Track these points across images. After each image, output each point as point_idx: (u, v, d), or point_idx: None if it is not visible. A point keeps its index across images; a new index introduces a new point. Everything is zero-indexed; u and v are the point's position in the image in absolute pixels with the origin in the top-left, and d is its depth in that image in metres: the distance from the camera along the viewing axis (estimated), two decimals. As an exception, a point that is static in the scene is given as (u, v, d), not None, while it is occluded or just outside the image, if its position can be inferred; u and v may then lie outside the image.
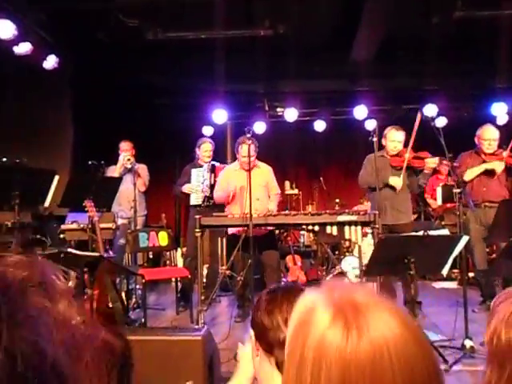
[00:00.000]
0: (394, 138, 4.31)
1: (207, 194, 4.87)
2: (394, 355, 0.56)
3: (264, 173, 4.54)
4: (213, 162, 5.06)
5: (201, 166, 5.02)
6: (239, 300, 4.48)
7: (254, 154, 4.38)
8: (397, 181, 4.23)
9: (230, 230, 4.40)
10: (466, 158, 4.56)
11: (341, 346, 0.57)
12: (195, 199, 4.95)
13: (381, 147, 4.39)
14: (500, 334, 0.80)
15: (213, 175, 4.91)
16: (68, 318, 0.36)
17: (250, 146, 4.20)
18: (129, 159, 5.05)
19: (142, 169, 5.27)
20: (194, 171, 5.00)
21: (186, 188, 4.98)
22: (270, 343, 1.20)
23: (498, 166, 4.37)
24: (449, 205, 5.80)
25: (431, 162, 4.13)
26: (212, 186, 4.87)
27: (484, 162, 4.46)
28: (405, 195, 4.34)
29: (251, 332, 1.29)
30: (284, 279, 5.74)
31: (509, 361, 0.78)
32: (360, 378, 0.55)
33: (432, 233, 3.17)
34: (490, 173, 4.43)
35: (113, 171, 5.12)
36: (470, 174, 4.44)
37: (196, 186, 4.95)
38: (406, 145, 4.34)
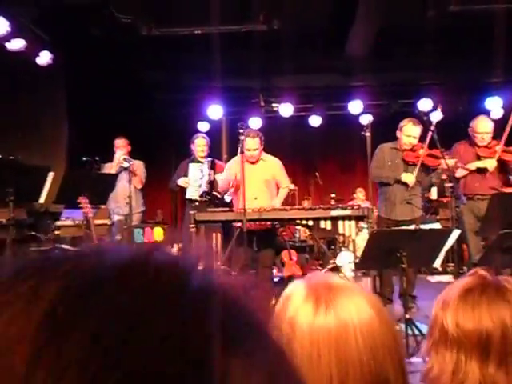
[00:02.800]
0: (411, 133, 4.08)
1: (206, 190, 4.86)
2: (358, 330, 0.63)
3: (270, 166, 4.43)
4: (213, 159, 5.05)
5: (199, 161, 5.02)
6: None
7: (259, 147, 4.30)
8: (410, 177, 4.05)
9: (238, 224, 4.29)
10: (460, 148, 4.47)
11: (310, 319, 0.64)
12: (191, 193, 4.93)
13: (388, 140, 4.27)
14: (432, 310, 0.93)
15: (213, 171, 4.90)
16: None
17: (251, 140, 4.17)
18: (124, 158, 5.05)
19: (139, 165, 5.26)
20: (191, 166, 4.98)
21: (181, 181, 4.95)
22: None
23: (491, 164, 4.26)
24: (444, 199, 5.82)
25: (450, 163, 3.98)
26: (211, 183, 4.86)
27: (477, 154, 4.41)
28: (415, 191, 4.19)
29: None
30: (279, 274, 5.77)
31: (432, 332, 0.90)
32: (327, 347, 0.62)
33: (424, 227, 3.19)
34: (482, 169, 4.36)
35: (109, 168, 5.12)
36: (461, 172, 4.40)
37: (193, 181, 4.94)
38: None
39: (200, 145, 5.05)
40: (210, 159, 5.01)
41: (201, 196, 4.86)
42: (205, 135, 5.22)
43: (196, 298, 0.24)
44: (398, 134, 4.21)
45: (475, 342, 0.82)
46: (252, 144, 4.25)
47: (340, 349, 0.62)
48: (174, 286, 0.25)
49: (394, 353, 0.64)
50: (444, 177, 4.30)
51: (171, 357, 0.22)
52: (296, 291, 0.68)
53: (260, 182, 4.34)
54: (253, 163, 4.36)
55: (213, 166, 4.93)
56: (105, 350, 0.21)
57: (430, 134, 4.02)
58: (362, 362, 0.61)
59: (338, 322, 0.63)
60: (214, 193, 4.90)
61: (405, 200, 4.12)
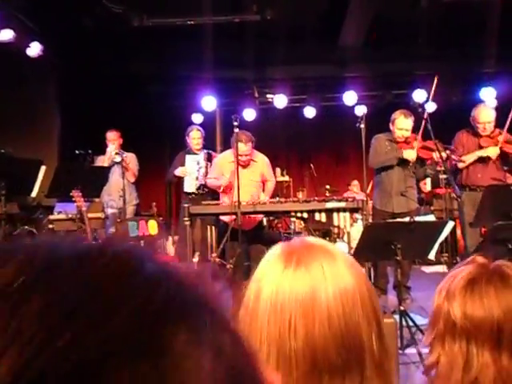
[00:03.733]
0: (402, 126, 4.06)
1: (203, 182, 4.84)
2: (329, 284, 0.61)
3: (260, 166, 4.46)
4: (209, 151, 5.02)
5: (195, 153, 4.98)
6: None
7: (251, 151, 4.29)
8: (411, 153, 3.96)
9: (222, 218, 4.38)
10: (462, 137, 4.40)
11: (279, 270, 0.64)
12: (189, 186, 4.90)
13: (382, 131, 4.25)
14: (434, 301, 0.92)
15: (209, 164, 4.88)
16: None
17: (243, 146, 4.13)
18: (116, 153, 5.00)
19: (131, 158, 5.22)
20: (188, 157, 4.95)
21: (179, 171, 4.90)
22: None
23: (493, 152, 4.19)
24: (438, 190, 5.84)
25: (435, 157, 3.98)
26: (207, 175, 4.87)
27: (479, 143, 4.34)
28: (411, 182, 4.18)
29: None
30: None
31: (436, 323, 0.88)
32: (293, 297, 0.61)
33: (418, 219, 3.20)
34: (484, 159, 4.27)
35: (101, 161, 5.07)
36: (463, 163, 4.37)
37: (190, 173, 4.89)
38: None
39: (195, 137, 5.02)
40: (206, 151, 4.98)
41: (198, 189, 4.85)
42: (199, 127, 5.18)
43: (145, 281, 0.26)
44: (390, 126, 4.20)
45: (487, 332, 0.80)
46: (244, 150, 4.21)
47: (307, 305, 0.60)
48: (126, 270, 0.26)
49: (368, 306, 0.62)
50: (438, 168, 4.29)
51: (116, 335, 0.23)
52: (271, 250, 0.68)
53: (249, 184, 4.31)
54: (243, 166, 4.35)
55: (209, 158, 4.90)
56: (49, 327, 0.23)
57: (423, 124, 4.00)
58: (330, 315, 0.60)
59: (307, 278, 0.62)
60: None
61: (400, 192, 4.11)
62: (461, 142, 4.38)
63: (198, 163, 4.89)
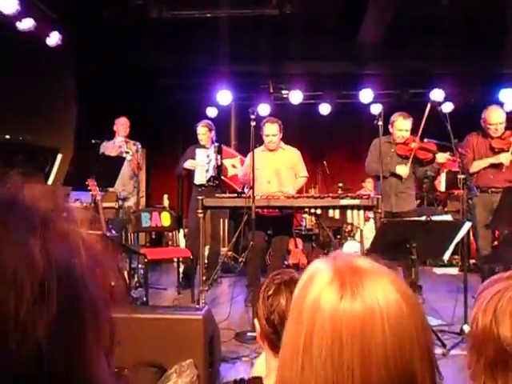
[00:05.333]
0: (402, 127, 4.22)
1: (214, 175, 4.86)
2: (386, 319, 0.57)
3: (289, 155, 4.46)
4: (219, 144, 5.03)
5: (205, 147, 4.99)
6: (251, 282, 4.23)
7: (278, 133, 4.34)
8: (403, 169, 4.19)
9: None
10: (473, 140, 4.42)
11: (334, 304, 0.59)
12: (199, 178, 4.92)
13: (387, 132, 4.35)
14: (477, 320, 0.81)
15: (219, 156, 4.90)
16: (92, 243, 0.37)
17: (270, 125, 4.25)
18: (127, 152, 5.03)
19: (139, 151, 5.26)
20: (198, 151, 4.97)
21: (188, 164, 4.92)
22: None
23: (506, 159, 4.21)
24: (454, 191, 5.78)
25: (440, 157, 4.07)
26: (219, 167, 4.87)
27: (491, 145, 4.34)
28: (409, 183, 4.33)
29: (256, 324, 1.31)
30: (285, 262, 5.77)
31: (484, 348, 0.79)
32: (350, 337, 0.57)
33: (435, 218, 3.17)
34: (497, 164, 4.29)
35: (110, 149, 5.07)
36: (475, 167, 4.35)
37: (200, 166, 4.91)
38: (412, 131, 4.29)
39: (199, 133, 5.02)
40: (216, 144, 5.00)
41: (208, 181, 4.86)
42: (207, 122, 5.13)
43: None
44: (390, 128, 4.31)
45: None
46: (271, 129, 4.28)
47: (365, 338, 0.56)
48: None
49: (423, 346, 0.59)
50: (454, 169, 4.28)
51: None
52: (320, 272, 0.63)
53: (277, 169, 4.34)
54: (271, 151, 4.37)
55: (219, 151, 4.92)
56: None
57: (422, 125, 4.08)
58: (387, 355, 0.56)
59: (364, 308, 0.58)
60: (222, 177, 4.91)
61: (399, 192, 4.24)
62: (471, 145, 4.39)
63: (208, 156, 4.91)
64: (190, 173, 5.00)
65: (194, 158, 4.95)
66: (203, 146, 5.01)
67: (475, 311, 0.83)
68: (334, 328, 0.57)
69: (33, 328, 0.30)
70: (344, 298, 0.58)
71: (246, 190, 4.55)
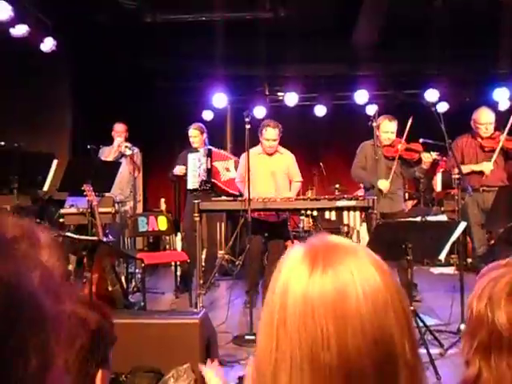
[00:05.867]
0: (387, 129, 4.29)
1: (204, 179, 4.82)
2: (360, 291, 0.57)
3: (285, 159, 4.48)
4: (209, 147, 5.00)
5: (197, 151, 4.97)
6: (251, 287, 4.18)
7: (277, 138, 4.35)
8: (385, 184, 4.25)
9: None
10: (461, 142, 4.54)
11: (305, 278, 0.58)
12: (192, 184, 4.90)
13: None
14: (472, 307, 0.82)
15: (209, 159, 4.85)
16: (51, 267, 0.41)
17: (271, 130, 4.24)
18: (126, 146, 5.02)
19: (137, 154, 5.25)
20: (190, 156, 4.95)
21: (177, 170, 4.92)
22: None
23: (487, 169, 4.37)
24: (450, 191, 5.79)
25: (426, 157, 4.13)
26: (209, 170, 4.82)
27: (481, 145, 4.47)
28: (398, 184, 4.38)
29: None
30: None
31: (478, 332, 0.79)
32: (322, 308, 0.57)
33: (430, 218, 3.18)
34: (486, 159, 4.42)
35: (107, 153, 5.07)
36: (465, 168, 4.43)
37: (192, 171, 4.89)
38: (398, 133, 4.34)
39: (191, 135, 5.01)
40: (206, 147, 4.95)
41: (200, 185, 4.82)
42: (199, 125, 5.11)
43: None
44: (376, 132, 4.33)
45: None
46: (272, 134, 4.29)
47: (337, 310, 0.56)
48: None
49: (400, 313, 0.58)
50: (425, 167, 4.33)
51: None
52: (292, 253, 0.63)
53: (274, 173, 4.35)
54: (269, 155, 4.38)
55: (209, 154, 4.87)
56: None
57: (408, 126, 4.17)
58: (363, 325, 0.56)
59: (336, 282, 0.57)
60: (213, 180, 4.86)
61: (389, 193, 4.29)
62: (459, 148, 4.50)
63: (199, 160, 4.88)
64: (182, 178, 4.98)
65: (186, 163, 4.94)
66: (195, 150, 4.99)
67: (470, 298, 0.84)
68: (306, 301, 0.57)
69: None
70: (314, 272, 0.58)
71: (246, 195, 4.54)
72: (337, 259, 0.59)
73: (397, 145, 4.26)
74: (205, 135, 5.05)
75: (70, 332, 0.42)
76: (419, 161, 4.26)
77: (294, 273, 0.60)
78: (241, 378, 1.23)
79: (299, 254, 0.61)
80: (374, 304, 0.57)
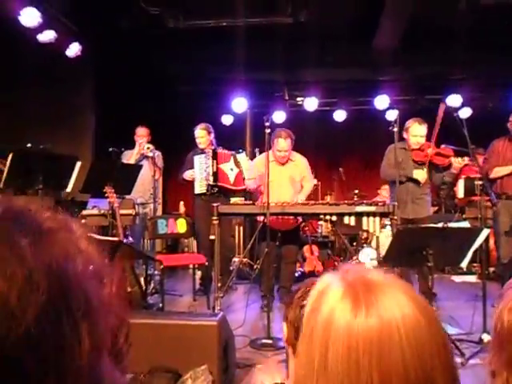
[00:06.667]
0: (417, 133, 4.17)
1: (210, 183, 4.74)
2: (404, 334, 0.55)
3: (298, 166, 4.47)
4: (215, 148, 4.88)
5: (203, 153, 4.88)
6: (266, 290, 4.24)
7: (289, 148, 4.34)
8: (421, 174, 4.14)
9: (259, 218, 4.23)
10: (498, 145, 4.36)
11: (348, 321, 0.56)
12: (199, 188, 4.83)
13: (403, 138, 4.31)
14: (503, 319, 0.79)
15: (215, 162, 4.75)
16: (90, 254, 0.42)
17: (282, 141, 4.21)
18: (148, 147, 5.08)
19: (158, 156, 5.30)
20: (196, 158, 4.86)
21: (187, 175, 4.85)
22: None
23: None
24: (473, 197, 5.68)
25: (457, 162, 4.03)
26: (214, 174, 4.74)
27: None
28: (426, 189, 4.27)
29: (284, 328, 1.30)
30: (300, 269, 5.75)
31: (508, 344, 0.77)
32: (367, 354, 0.54)
33: (452, 225, 3.12)
34: None
35: (129, 156, 5.14)
36: (496, 173, 4.30)
37: (199, 174, 4.81)
38: (428, 137, 4.25)
39: (197, 136, 4.92)
40: (211, 149, 4.85)
41: (207, 190, 4.77)
42: (206, 125, 4.99)
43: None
44: (404, 134, 4.27)
45: None
46: (283, 145, 4.29)
47: (383, 355, 0.54)
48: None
49: (444, 358, 0.56)
50: (475, 174, 4.21)
51: None
52: (331, 287, 0.61)
53: (287, 183, 4.35)
54: (282, 164, 4.38)
55: (214, 156, 4.78)
56: None
57: (436, 131, 4.03)
58: (407, 371, 0.54)
59: (380, 324, 0.55)
60: (222, 184, 4.80)
61: (416, 198, 4.19)
62: (496, 150, 4.32)
63: (206, 163, 4.80)
64: (192, 182, 4.88)
65: (193, 166, 4.87)
66: (202, 151, 4.90)
67: (500, 309, 0.81)
68: (350, 346, 0.55)
69: (22, 312, 0.34)
70: (358, 315, 0.56)
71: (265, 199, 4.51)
72: (378, 299, 0.57)
73: (426, 149, 4.14)
74: (212, 135, 4.94)
75: (117, 315, 0.43)
76: (448, 166, 4.16)
77: (336, 312, 0.57)
78: None
79: (339, 290, 0.59)
80: (417, 350, 0.55)
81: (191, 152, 5.04)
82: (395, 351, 0.54)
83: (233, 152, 4.91)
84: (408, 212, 4.15)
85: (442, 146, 4.20)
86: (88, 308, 0.38)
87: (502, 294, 0.84)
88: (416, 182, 4.20)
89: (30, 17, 4.58)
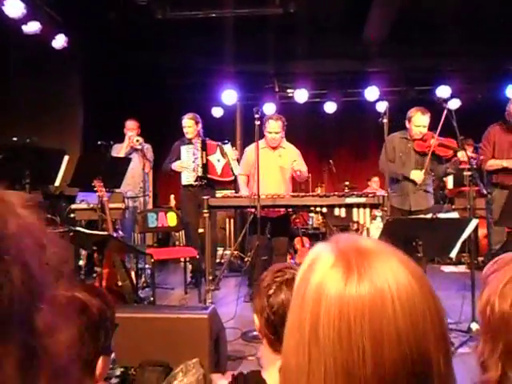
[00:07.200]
0: (420, 123, 4.04)
1: (199, 174, 4.68)
2: (397, 301, 0.54)
3: (289, 154, 4.41)
4: (204, 138, 4.82)
5: (190, 143, 4.81)
6: (249, 280, 4.44)
7: (281, 131, 4.27)
8: (418, 175, 4.05)
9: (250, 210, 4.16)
10: (494, 133, 4.31)
11: (340, 287, 0.56)
12: (186, 179, 4.78)
13: (393, 130, 4.27)
14: (493, 305, 0.77)
15: (204, 153, 4.68)
16: (27, 214, 0.45)
17: (273, 122, 4.18)
18: (137, 140, 5.03)
19: (148, 149, 5.25)
20: (183, 148, 4.79)
21: (176, 166, 4.78)
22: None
23: None
24: (462, 188, 5.73)
25: (462, 156, 3.93)
26: (204, 166, 4.68)
27: None
28: (427, 180, 4.18)
29: (255, 319, 1.30)
30: (292, 261, 5.77)
31: (502, 334, 0.75)
32: (358, 320, 0.54)
33: (441, 215, 3.14)
34: None
35: (118, 149, 5.09)
36: (489, 167, 4.28)
37: (186, 165, 4.75)
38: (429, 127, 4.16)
39: (185, 126, 4.83)
40: (200, 139, 4.78)
41: (195, 181, 4.72)
42: (194, 114, 4.91)
43: None
44: (407, 124, 4.16)
45: None
46: (274, 126, 4.25)
47: (374, 322, 0.53)
48: None
49: (437, 325, 0.55)
50: (462, 166, 4.20)
51: None
52: (322, 255, 0.59)
53: (277, 169, 4.33)
54: (273, 148, 4.34)
55: (204, 147, 4.72)
56: None
57: (441, 122, 3.94)
58: (399, 335, 0.53)
59: (372, 291, 0.54)
60: (210, 176, 4.76)
61: (418, 190, 4.12)
62: (491, 139, 4.28)
63: (194, 154, 4.74)
64: (179, 173, 4.83)
65: (179, 156, 4.79)
66: (189, 141, 4.83)
67: (488, 295, 0.78)
68: (341, 312, 0.54)
69: None
70: (350, 281, 0.55)
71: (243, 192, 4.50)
72: (371, 266, 0.56)
73: (429, 139, 4.02)
74: (200, 125, 4.86)
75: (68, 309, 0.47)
76: (450, 158, 4.06)
77: (327, 280, 0.56)
78: (235, 377, 1.23)
79: (330, 258, 0.58)
80: (411, 316, 0.54)
81: (177, 141, 4.94)
82: (388, 318, 0.54)
83: (219, 143, 4.87)
84: (410, 203, 4.08)
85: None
86: (21, 256, 0.42)
87: (485, 280, 0.81)
88: (413, 182, 4.12)
89: (13, 7, 4.49)
